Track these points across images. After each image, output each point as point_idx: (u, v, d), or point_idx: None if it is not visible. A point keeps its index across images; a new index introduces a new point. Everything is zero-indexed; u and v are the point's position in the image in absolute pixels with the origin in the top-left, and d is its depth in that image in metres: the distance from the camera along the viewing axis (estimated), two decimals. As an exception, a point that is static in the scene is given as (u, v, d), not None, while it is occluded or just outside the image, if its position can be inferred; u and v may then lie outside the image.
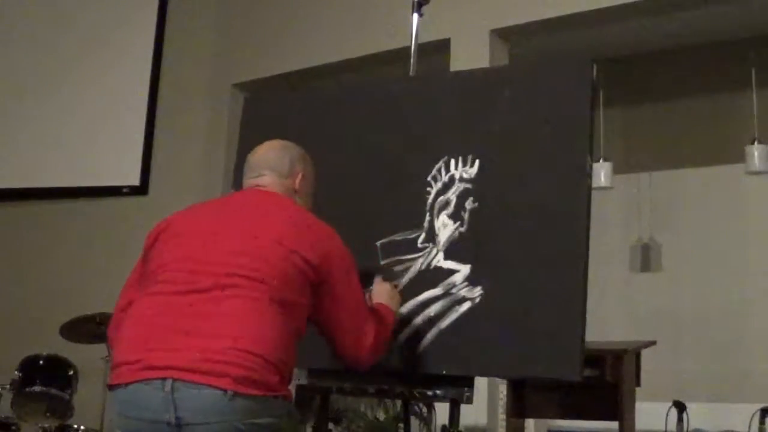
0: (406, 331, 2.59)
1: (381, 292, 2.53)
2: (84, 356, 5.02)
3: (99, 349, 5.02)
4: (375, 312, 2.40)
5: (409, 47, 3.08)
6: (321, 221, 2.33)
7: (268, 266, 2.12)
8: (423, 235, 2.68)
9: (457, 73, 3.40)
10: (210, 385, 1.96)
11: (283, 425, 2.07)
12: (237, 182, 3.05)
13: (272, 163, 2.44)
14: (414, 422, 4.34)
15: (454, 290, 2.57)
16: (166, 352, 2.01)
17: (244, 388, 1.97)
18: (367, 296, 2.46)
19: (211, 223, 2.28)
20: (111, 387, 2.09)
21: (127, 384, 2.05)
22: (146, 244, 2.35)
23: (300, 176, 2.45)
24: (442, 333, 2.56)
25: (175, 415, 1.97)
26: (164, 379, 1.98)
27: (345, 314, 2.27)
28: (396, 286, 2.60)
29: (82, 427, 4.72)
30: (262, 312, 2.07)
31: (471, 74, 2.96)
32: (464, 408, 2.59)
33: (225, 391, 1.96)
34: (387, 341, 2.41)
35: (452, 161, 2.69)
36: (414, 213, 2.69)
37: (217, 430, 1.98)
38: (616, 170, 5.87)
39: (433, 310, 2.58)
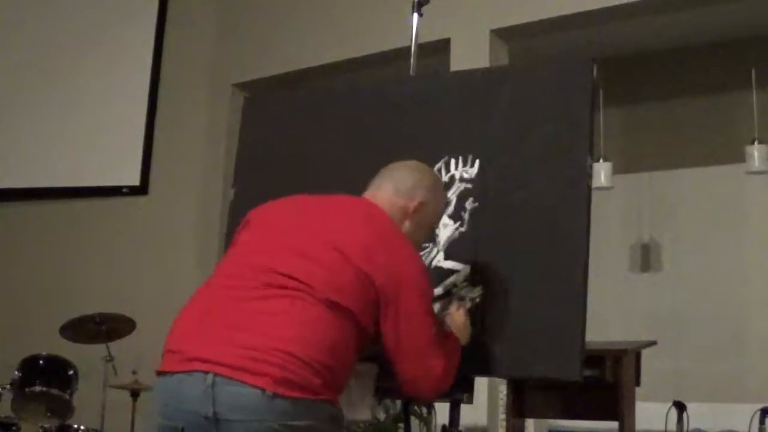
0: (406, 331, 2.59)
1: (450, 323, 2.43)
2: (84, 356, 5.02)
3: (99, 349, 5.03)
4: (446, 342, 2.31)
5: (409, 47, 3.08)
6: (407, 243, 2.25)
7: (328, 274, 2.10)
8: (423, 235, 2.68)
9: (457, 73, 3.40)
10: (249, 384, 1.96)
11: (324, 429, 2.04)
12: (237, 182, 3.06)
13: (396, 178, 2.38)
14: (414, 422, 4.34)
15: (454, 290, 2.57)
16: (211, 346, 2.02)
17: (284, 389, 1.97)
18: (446, 321, 2.42)
19: (294, 221, 2.25)
20: (157, 373, 2.11)
21: (172, 373, 2.06)
22: (237, 229, 2.36)
23: (418, 202, 2.35)
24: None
25: (213, 409, 1.97)
26: (206, 372, 1.99)
27: (409, 343, 2.19)
28: (468, 313, 2.49)
29: (82, 427, 4.72)
30: (310, 315, 2.05)
31: (471, 74, 2.96)
32: (464, 408, 2.59)
33: (264, 390, 1.96)
34: (453, 376, 2.30)
35: (452, 161, 2.69)
36: (414, 213, 2.69)
37: (254, 428, 1.97)
38: (616, 170, 5.87)
39: (435, 306, 2.58)
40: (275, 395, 1.96)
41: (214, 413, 1.97)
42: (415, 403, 4.17)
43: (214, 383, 1.98)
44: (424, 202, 2.36)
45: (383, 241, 2.20)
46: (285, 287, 2.08)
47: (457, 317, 2.44)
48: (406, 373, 2.21)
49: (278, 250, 2.16)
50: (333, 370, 2.05)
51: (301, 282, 2.08)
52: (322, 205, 2.32)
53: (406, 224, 2.34)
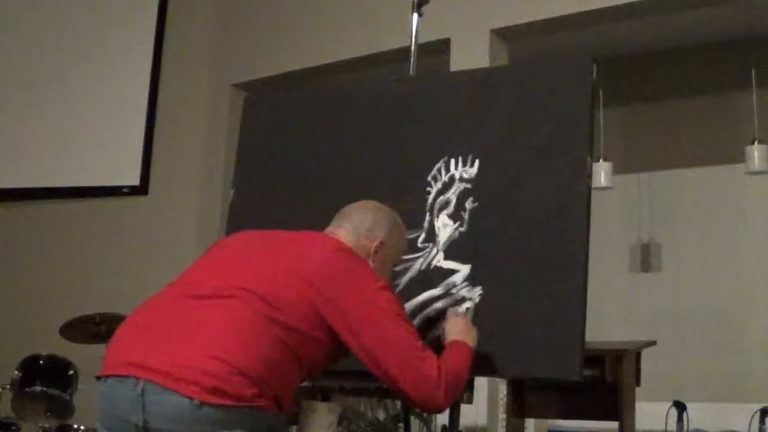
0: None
1: (451, 329, 2.40)
2: (84, 356, 5.02)
3: (99, 349, 5.01)
4: (447, 352, 2.27)
5: (409, 47, 3.08)
6: (360, 261, 2.23)
7: (279, 290, 2.08)
8: (423, 235, 2.68)
9: (457, 73, 3.40)
10: (177, 392, 1.93)
11: None
12: (237, 182, 3.06)
13: (354, 220, 2.37)
14: (414, 422, 4.34)
15: (454, 290, 2.57)
16: (145, 353, 2.00)
17: (213, 397, 1.92)
18: (440, 336, 2.39)
19: (255, 243, 2.26)
20: (96, 378, 2.10)
21: (106, 377, 2.05)
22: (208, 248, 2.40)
23: (378, 242, 2.35)
24: (442, 333, 2.55)
25: (143, 418, 1.96)
26: (137, 378, 1.96)
27: (389, 354, 2.10)
28: (467, 313, 2.47)
29: (82, 427, 4.71)
30: (253, 326, 2.02)
31: (471, 74, 2.96)
32: (464, 408, 2.59)
33: (192, 399, 1.92)
34: (460, 379, 2.23)
35: (452, 161, 2.69)
36: (414, 213, 2.69)
37: None
38: (616, 170, 5.87)
39: (433, 310, 2.58)
40: (203, 404, 1.91)
41: (144, 422, 1.95)
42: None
43: (144, 391, 1.95)
44: (384, 242, 2.35)
45: (338, 258, 2.18)
46: (232, 297, 2.06)
47: (453, 324, 2.41)
48: (405, 394, 2.13)
49: (233, 266, 2.17)
50: (269, 382, 1.99)
51: (250, 292, 2.06)
52: (286, 235, 2.31)
53: (369, 263, 2.31)
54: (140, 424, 1.96)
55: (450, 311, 2.49)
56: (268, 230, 2.37)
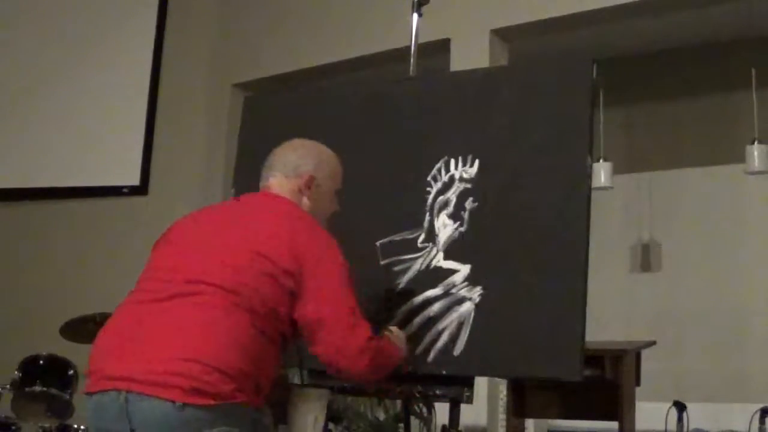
0: (406, 331, 2.59)
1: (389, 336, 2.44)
2: (84, 356, 4.96)
3: (99, 349, 5.03)
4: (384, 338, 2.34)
5: (409, 47, 3.08)
6: (310, 223, 2.29)
7: (237, 275, 2.10)
8: (423, 235, 2.68)
9: (457, 73, 3.40)
10: (159, 397, 1.97)
11: None
12: (237, 182, 3.06)
13: (280, 163, 2.43)
14: (414, 422, 4.33)
15: (454, 290, 2.57)
16: (122, 363, 2.04)
17: (194, 398, 1.96)
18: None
19: (200, 231, 2.28)
20: (85, 394, 2.14)
21: (92, 394, 2.10)
22: (155, 242, 2.39)
23: (307, 177, 2.40)
24: (442, 333, 2.55)
25: (130, 426, 2.00)
26: (119, 390, 2.01)
27: (331, 311, 2.16)
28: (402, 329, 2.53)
29: (82, 427, 4.71)
30: (220, 320, 2.05)
31: (471, 74, 2.96)
32: (464, 408, 2.59)
33: (174, 402, 1.96)
34: (388, 358, 2.29)
35: (452, 161, 2.69)
36: (414, 213, 2.69)
37: None
38: (616, 170, 5.87)
39: (433, 310, 2.58)
40: (185, 405, 1.96)
41: (131, 430, 2.00)
42: (415, 402, 4.17)
43: (127, 401, 1.99)
44: (314, 176, 2.41)
45: (288, 227, 2.22)
46: (197, 293, 2.09)
47: (390, 334, 2.43)
48: (331, 345, 2.17)
49: (190, 261, 2.18)
50: (247, 373, 2.03)
51: (213, 286, 2.09)
52: (224, 212, 2.36)
53: (305, 201, 2.38)
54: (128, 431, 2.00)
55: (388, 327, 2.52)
56: (204, 211, 2.40)
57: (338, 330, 2.17)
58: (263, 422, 2.12)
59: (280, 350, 2.18)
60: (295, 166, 2.41)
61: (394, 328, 2.51)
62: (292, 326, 2.19)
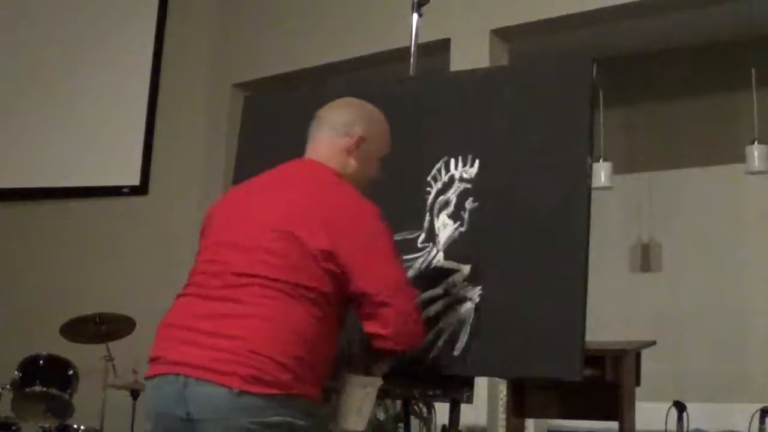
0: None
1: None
2: (84, 356, 5.02)
3: (99, 349, 5.03)
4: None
5: (409, 47, 3.08)
6: (350, 195, 2.24)
7: (282, 261, 2.10)
8: (423, 235, 2.68)
9: (457, 73, 3.40)
10: (218, 383, 2.01)
11: (299, 425, 2.05)
12: (237, 182, 3.05)
13: (330, 120, 2.37)
14: (414, 422, 4.34)
15: (454, 290, 2.57)
16: (183, 349, 2.08)
17: (252, 386, 2.00)
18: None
19: (240, 215, 2.26)
20: (145, 379, 2.19)
21: (152, 378, 2.14)
22: (200, 230, 2.36)
23: (358, 137, 2.34)
24: (442, 333, 2.55)
25: (187, 410, 2.03)
26: (178, 375, 2.05)
27: (377, 283, 2.14)
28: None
29: (82, 427, 4.72)
30: (274, 309, 2.08)
31: (471, 74, 2.96)
32: (464, 408, 2.59)
33: (231, 389, 2.00)
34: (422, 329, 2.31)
35: (452, 161, 2.69)
36: (414, 213, 2.69)
37: (225, 427, 2.01)
38: (616, 170, 5.87)
39: (433, 310, 2.58)
40: (242, 393, 1.99)
41: (188, 414, 2.03)
42: (415, 402, 4.17)
43: (185, 385, 2.04)
44: (365, 136, 2.36)
45: (323, 202, 2.19)
46: (243, 286, 2.11)
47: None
48: (388, 320, 2.15)
49: (228, 251, 2.18)
50: (305, 362, 2.06)
51: (259, 277, 2.10)
52: (263, 186, 2.31)
53: (351, 162, 2.34)
54: (184, 415, 2.04)
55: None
56: (242, 189, 2.37)
57: (396, 303, 2.16)
58: (316, 414, 2.13)
59: (335, 336, 2.19)
60: (345, 124, 2.35)
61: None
62: (344, 307, 2.19)
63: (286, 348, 2.04)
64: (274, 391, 2.01)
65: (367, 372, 2.34)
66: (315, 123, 2.40)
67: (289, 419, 2.04)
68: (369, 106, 2.43)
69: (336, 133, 2.35)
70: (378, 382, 2.39)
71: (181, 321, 2.16)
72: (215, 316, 2.10)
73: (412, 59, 3.06)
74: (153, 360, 2.16)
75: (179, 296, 2.25)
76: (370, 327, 2.18)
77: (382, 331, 2.17)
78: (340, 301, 2.17)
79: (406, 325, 2.19)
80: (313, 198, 2.21)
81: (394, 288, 2.18)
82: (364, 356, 2.32)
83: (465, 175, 2.66)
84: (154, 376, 2.13)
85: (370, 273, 2.16)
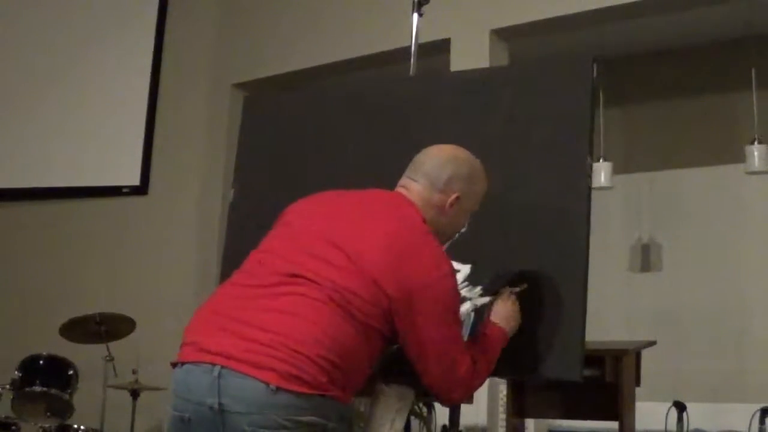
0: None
1: (499, 310, 2.39)
2: (84, 356, 5.02)
3: (99, 349, 5.03)
4: (481, 341, 2.30)
5: (409, 47, 3.08)
6: (429, 245, 2.19)
7: (339, 276, 2.08)
8: (423, 235, 2.67)
9: (457, 73, 3.40)
10: (254, 377, 1.98)
11: (331, 427, 2.04)
12: (237, 182, 3.06)
13: (430, 171, 2.29)
14: (414, 422, 4.33)
15: (453, 290, 2.57)
16: (221, 339, 2.04)
17: (289, 383, 1.97)
18: (486, 310, 2.39)
19: (318, 220, 2.23)
20: (172, 365, 2.14)
21: (182, 364, 2.09)
22: (275, 223, 2.34)
23: (455, 197, 2.27)
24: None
25: (219, 400, 2.00)
26: (213, 364, 2.01)
27: (426, 343, 2.14)
28: (518, 294, 2.42)
29: (82, 427, 4.72)
30: (319, 313, 2.05)
31: (471, 74, 2.96)
32: (464, 408, 2.59)
33: (268, 384, 1.97)
34: (487, 373, 2.29)
35: (452, 161, 2.68)
36: (414, 213, 2.68)
37: (257, 421, 1.98)
38: (616, 170, 5.87)
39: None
40: (279, 389, 1.97)
41: (220, 404, 2.00)
42: (415, 402, 4.16)
43: (220, 375, 2.00)
44: (461, 196, 2.29)
45: (403, 245, 2.15)
46: (296, 285, 2.09)
47: (502, 306, 2.39)
48: (429, 374, 2.17)
49: (295, 251, 2.16)
50: (341, 369, 2.04)
51: (312, 281, 2.08)
52: (351, 204, 2.27)
53: (442, 220, 2.28)
54: (215, 406, 2.00)
55: (505, 289, 2.43)
56: (327, 197, 2.32)
57: (437, 365, 2.16)
58: (349, 418, 2.13)
59: (377, 350, 2.16)
60: (447, 180, 2.28)
61: (501, 306, 2.40)
62: (392, 334, 2.16)
63: (326, 351, 2.01)
64: (311, 391, 1.99)
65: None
66: (415, 164, 2.33)
67: (323, 421, 2.02)
68: (473, 163, 2.35)
69: (432, 186, 2.28)
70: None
71: (223, 308, 2.12)
72: (260, 309, 2.07)
73: (412, 59, 3.06)
74: (188, 344, 2.11)
75: (226, 283, 2.22)
76: (415, 368, 2.21)
77: (422, 378, 2.21)
78: (380, 333, 2.14)
79: (440, 388, 2.21)
80: (394, 237, 2.16)
81: (438, 354, 2.16)
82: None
83: (465, 175, 2.65)
84: (185, 362, 2.08)
85: (421, 330, 2.14)
